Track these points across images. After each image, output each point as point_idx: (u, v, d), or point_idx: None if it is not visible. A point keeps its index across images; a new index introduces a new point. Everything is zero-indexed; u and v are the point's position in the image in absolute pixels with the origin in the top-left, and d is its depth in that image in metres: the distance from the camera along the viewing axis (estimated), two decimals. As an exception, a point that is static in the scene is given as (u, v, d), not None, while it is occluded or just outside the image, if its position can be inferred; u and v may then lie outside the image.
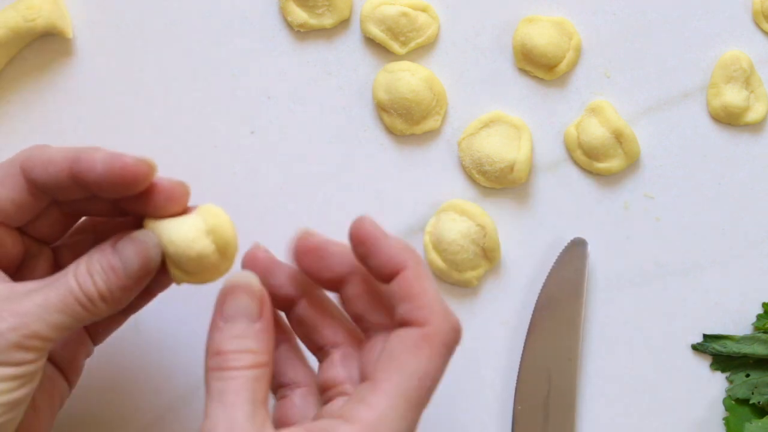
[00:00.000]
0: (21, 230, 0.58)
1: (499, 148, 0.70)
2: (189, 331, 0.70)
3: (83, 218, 0.61)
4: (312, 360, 0.60)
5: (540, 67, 0.71)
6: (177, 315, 0.71)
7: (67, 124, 0.72)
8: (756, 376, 0.69)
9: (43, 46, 0.72)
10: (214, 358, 0.54)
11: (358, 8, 0.72)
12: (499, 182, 0.71)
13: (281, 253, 0.71)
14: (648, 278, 0.71)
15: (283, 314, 0.60)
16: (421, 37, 0.71)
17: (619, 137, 0.70)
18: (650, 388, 0.70)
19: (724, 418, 0.69)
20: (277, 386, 0.59)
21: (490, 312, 0.71)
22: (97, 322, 0.57)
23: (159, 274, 0.56)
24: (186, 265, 0.55)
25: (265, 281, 0.57)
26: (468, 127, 0.71)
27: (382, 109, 0.71)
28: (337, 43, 0.72)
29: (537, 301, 0.69)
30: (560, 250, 0.70)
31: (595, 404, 0.70)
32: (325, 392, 0.57)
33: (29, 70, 0.72)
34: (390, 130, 0.72)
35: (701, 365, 0.70)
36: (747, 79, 0.71)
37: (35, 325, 0.52)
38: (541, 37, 0.71)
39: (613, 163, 0.71)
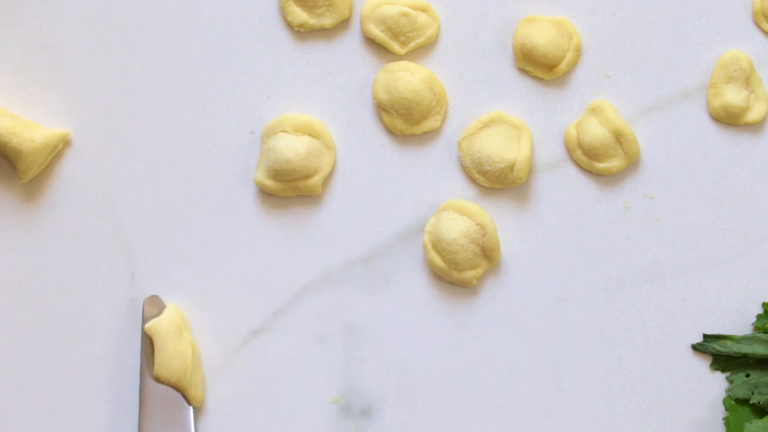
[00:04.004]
0: None
1: (499, 148, 0.70)
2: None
3: None
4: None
5: (540, 67, 0.71)
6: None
7: (68, 124, 0.72)
8: (756, 376, 0.69)
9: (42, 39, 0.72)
10: None
11: (358, 8, 0.72)
12: (499, 182, 0.71)
13: (282, 252, 0.71)
14: (648, 278, 0.71)
15: None
16: (421, 37, 0.71)
17: (619, 137, 0.70)
18: (650, 388, 0.70)
19: (724, 418, 0.69)
20: None
21: (490, 312, 0.71)
22: None
23: None
24: None
25: None
26: (468, 127, 0.71)
27: (382, 109, 0.71)
28: (337, 43, 0.72)
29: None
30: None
31: (595, 404, 0.70)
32: None
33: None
34: (390, 130, 0.72)
35: (701, 365, 0.70)
36: (747, 79, 0.71)
37: None
38: (541, 37, 0.71)
39: (613, 163, 0.71)
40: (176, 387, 0.68)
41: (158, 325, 0.68)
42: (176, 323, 0.68)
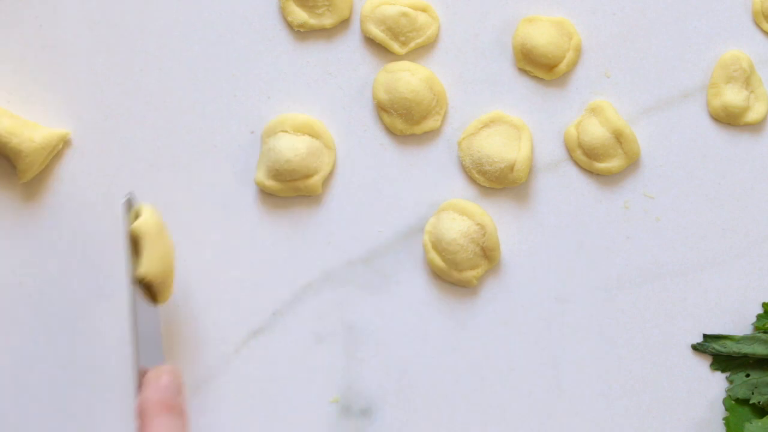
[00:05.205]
0: None
1: (499, 148, 0.70)
2: (188, 330, 0.71)
3: None
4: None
5: (540, 67, 0.71)
6: (176, 316, 0.71)
7: (68, 124, 0.72)
8: (756, 376, 0.69)
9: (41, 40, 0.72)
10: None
11: (358, 8, 0.72)
12: (499, 182, 0.71)
13: (282, 252, 0.71)
14: (648, 278, 0.71)
15: None
16: (421, 37, 0.71)
17: (619, 137, 0.70)
18: (650, 388, 0.70)
19: (724, 418, 0.69)
20: None
21: (490, 312, 0.71)
22: None
23: None
24: None
25: None
26: (468, 127, 0.71)
27: (382, 109, 0.71)
28: (337, 43, 0.72)
29: None
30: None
31: (595, 404, 0.70)
32: None
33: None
34: (390, 130, 0.72)
35: (701, 365, 0.70)
36: (747, 79, 0.71)
37: None
38: (541, 37, 0.71)
39: (613, 163, 0.71)
40: (159, 281, 0.66)
41: (143, 225, 0.65)
42: (158, 223, 0.66)
